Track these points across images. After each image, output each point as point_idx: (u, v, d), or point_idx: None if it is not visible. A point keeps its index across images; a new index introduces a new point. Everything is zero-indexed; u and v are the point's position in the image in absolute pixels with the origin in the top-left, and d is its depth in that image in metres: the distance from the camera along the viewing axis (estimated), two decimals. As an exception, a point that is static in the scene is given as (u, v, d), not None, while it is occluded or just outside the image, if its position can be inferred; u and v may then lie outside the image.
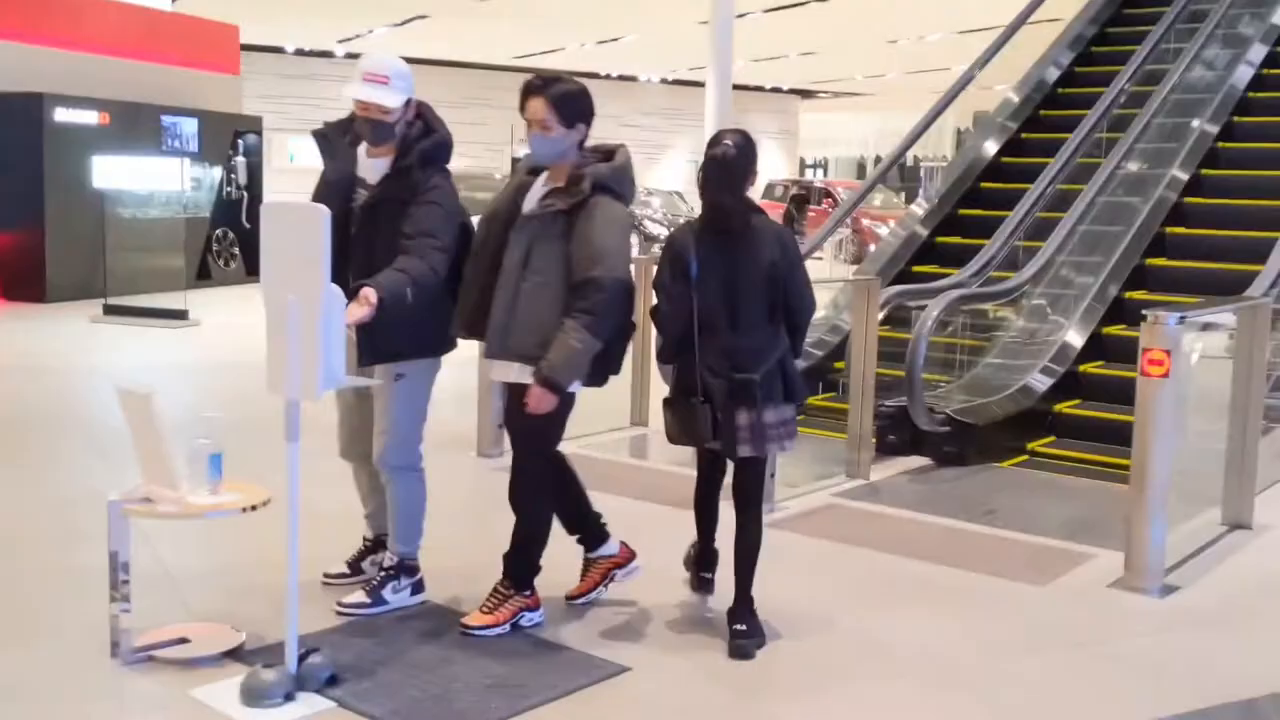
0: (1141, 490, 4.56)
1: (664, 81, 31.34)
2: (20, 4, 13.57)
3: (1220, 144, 8.88)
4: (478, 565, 4.16)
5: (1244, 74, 9.33)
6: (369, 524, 4.32)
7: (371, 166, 3.90)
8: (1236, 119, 9.11)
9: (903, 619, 4.26)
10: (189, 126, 14.80)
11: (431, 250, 3.70)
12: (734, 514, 4.00)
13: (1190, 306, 4.97)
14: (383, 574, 4.08)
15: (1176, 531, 4.82)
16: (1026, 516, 5.64)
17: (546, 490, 3.95)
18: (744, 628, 3.88)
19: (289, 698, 3.33)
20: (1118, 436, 6.71)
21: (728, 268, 3.86)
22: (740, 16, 17.28)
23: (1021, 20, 10.25)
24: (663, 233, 24.95)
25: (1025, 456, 6.83)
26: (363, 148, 3.93)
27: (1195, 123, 8.79)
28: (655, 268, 4.02)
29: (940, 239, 9.24)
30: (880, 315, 6.48)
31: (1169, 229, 8.26)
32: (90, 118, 13.49)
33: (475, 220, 3.96)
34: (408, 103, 3.87)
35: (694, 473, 4.28)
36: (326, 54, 26.84)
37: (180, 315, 11.71)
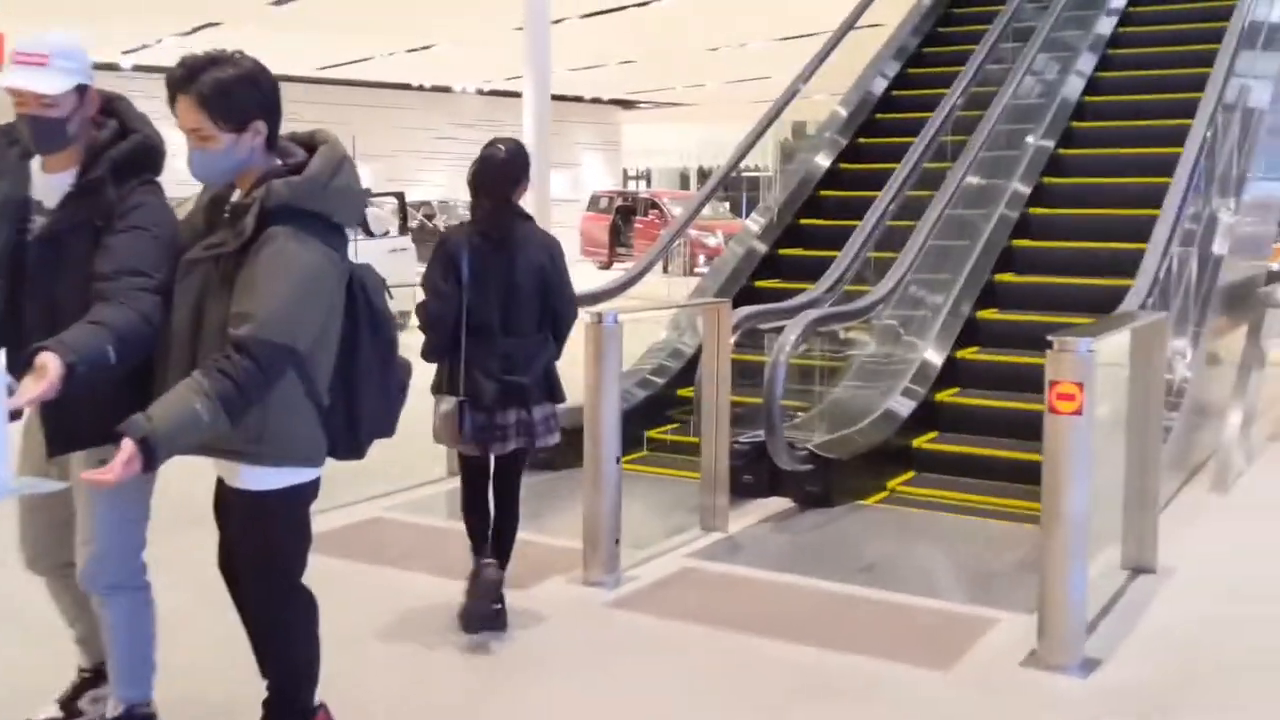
0: (1056, 548, 3.85)
1: (480, 92, 30.26)
2: None
3: (1061, 150, 8.46)
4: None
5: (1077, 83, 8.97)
6: (82, 651, 3.25)
7: (49, 185, 2.82)
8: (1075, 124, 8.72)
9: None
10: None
11: (138, 293, 2.65)
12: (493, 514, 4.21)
13: (1082, 328, 4.31)
14: (107, 727, 3.02)
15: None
16: (909, 571, 4.92)
17: (300, 627, 2.92)
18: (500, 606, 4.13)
19: None
20: (980, 470, 6.20)
21: (501, 273, 3.96)
22: (557, 22, 16.49)
23: (845, 29, 9.66)
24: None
25: (887, 493, 6.15)
26: (37, 161, 2.86)
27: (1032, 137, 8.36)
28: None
29: (783, 251, 8.58)
30: (732, 340, 5.69)
31: (1016, 241, 7.76)
32: None
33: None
34: (82, 91, 2.80)
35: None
36: (112, 66, 24.83)
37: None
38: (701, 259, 21.31)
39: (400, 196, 13.65)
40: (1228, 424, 6.64)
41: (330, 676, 2.99)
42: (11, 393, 2.44)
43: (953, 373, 6.86)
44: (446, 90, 29.97)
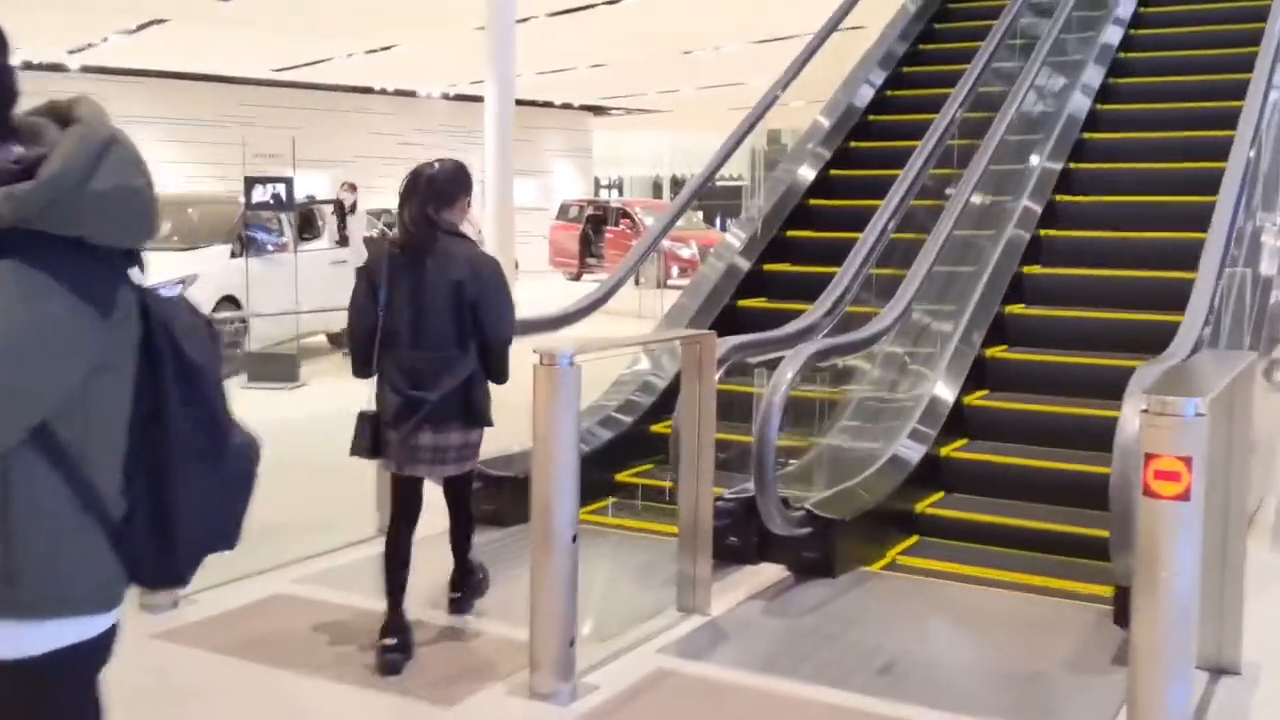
0: (1153, 658, 2.91)
1: (446, 97, 29.21)
2: None
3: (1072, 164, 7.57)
4: None
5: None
6: None
7: None
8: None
9: None
10: None
11: None
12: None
13: (1170, 377, 3.38)
14: None
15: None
16: (939, 673, 3.97)
17: None
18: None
19: None
20: (998, 537, 5.24)
21: (413, 286, 3.92)
22: (523, 21, 15.54)
23: (826, 34, 8.71)
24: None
25: (894, 556, 5.22)
26: None
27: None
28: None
29: (769, 266, 7.65)
30: (718, 375, 4.74)
31: (1026, 269, 6.84)
32: None
33: None
34: None
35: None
36: (58, 67, 23.67)
37: None
38: (675, 271, 20.44)
39: (339, 204, 12.62)
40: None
41: None
42: None
43: (959, 418, 5.93)
44: (411, 95, 28.90)
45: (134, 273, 1.81)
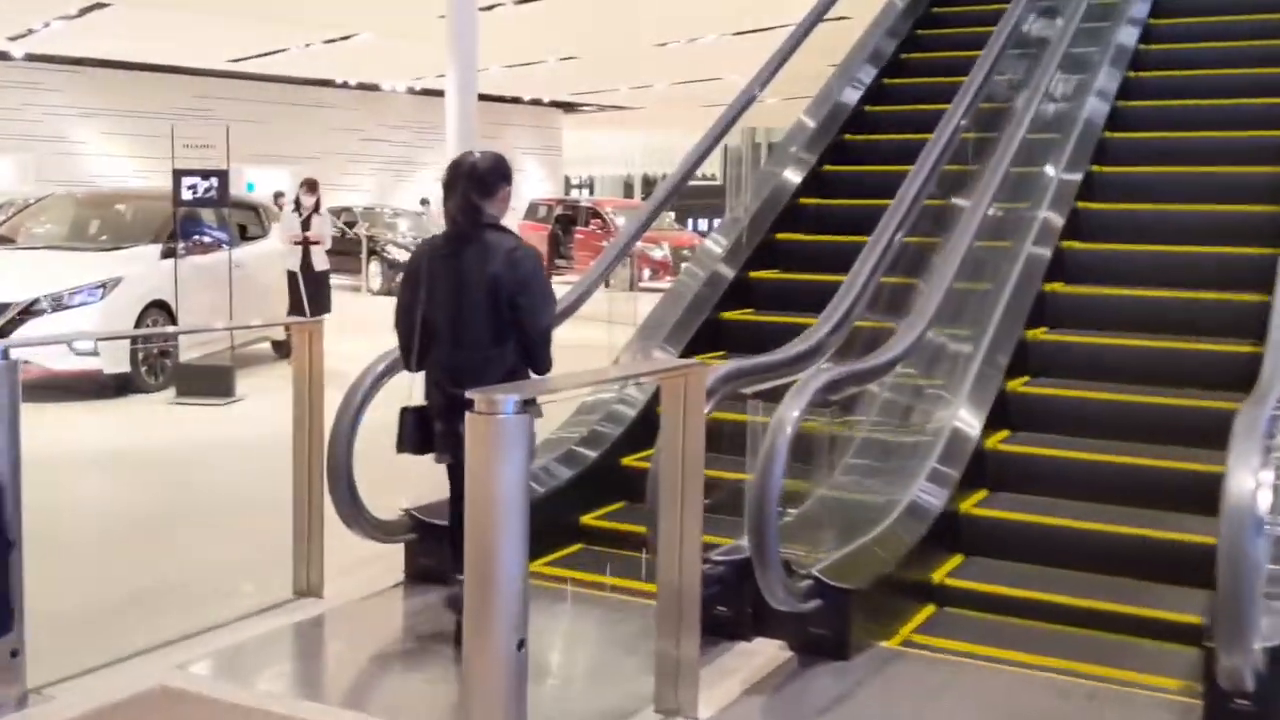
0: None
1: (411, 91, 28.18)
2: None
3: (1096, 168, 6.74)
4: None
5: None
6: None
7: None
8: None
9: None
10: None
11: None
12: None
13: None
14: None
15: None
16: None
17: None
18: None
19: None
20: (1033, 613, 4.36)
21: (452, 282, 3.90)
22: (488, 9, 14.63)
23: (810, 25, 7.79)
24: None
25: (913, 629, 4.35)
26: None
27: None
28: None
29: (755, 274, 6.78)
30: (708, 409, 3.83)
31: (1048, 286, 5.99)
32: None
33: None
34: None
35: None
36: (2, 55, 22.57)
37: None
38: (647, 273, 19.58)
39: (296, 204, 11.61)
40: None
41: None
42: None
43: (979, 465, 5.04)
44: (374, 89, 27.86)
45: None
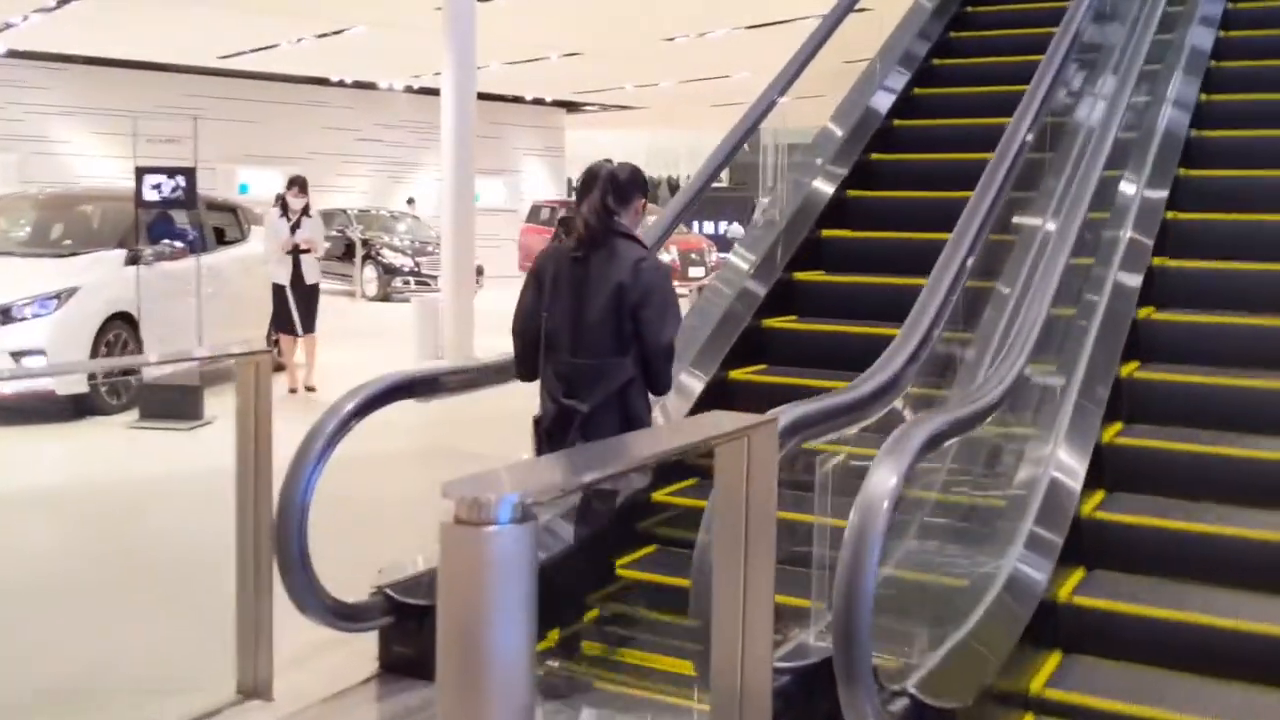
0: None
1: (409, 90, 27.25)
2: None
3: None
4: None
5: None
6: None
7: None
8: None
9: None
10: None
11: None
12: None
13: None
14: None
15: None
16: None
17: None
18: None
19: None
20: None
21: (576, 288, 3.84)
22: (486, 0, 13.72)
23: (833, 26, 6.84)
24: (406, 263, 20.97)
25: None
26: None
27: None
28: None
29: (798, 275, 5.90)
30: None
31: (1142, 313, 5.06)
32: None
33: None
34: None
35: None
36: (-17, 51, 21.68)
37: None
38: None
39: (283, 205, 10.55)
40: None
41: None
42: None
43: (1076, 533, 4.09)
44: (370, 87, 26.93)
45: None
